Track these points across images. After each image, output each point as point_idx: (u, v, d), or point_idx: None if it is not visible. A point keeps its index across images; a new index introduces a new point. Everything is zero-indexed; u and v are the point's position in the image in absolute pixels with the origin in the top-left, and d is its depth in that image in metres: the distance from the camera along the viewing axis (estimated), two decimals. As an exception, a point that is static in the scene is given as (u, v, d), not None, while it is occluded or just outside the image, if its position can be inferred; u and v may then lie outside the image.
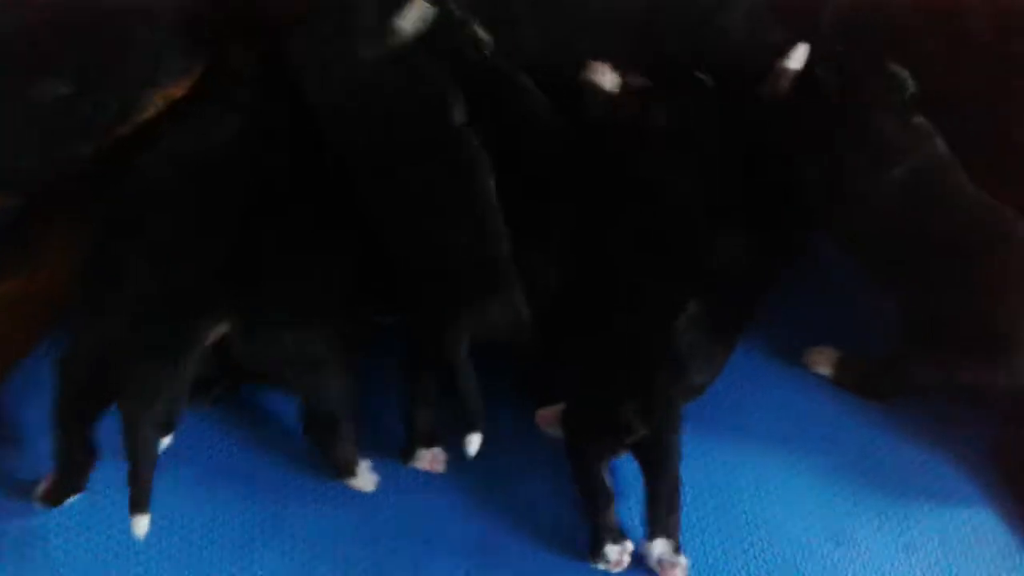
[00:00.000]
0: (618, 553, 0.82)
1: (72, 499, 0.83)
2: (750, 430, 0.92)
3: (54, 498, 0.83)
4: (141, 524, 0.79)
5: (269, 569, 0.83)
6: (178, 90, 0.88)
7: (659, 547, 0.82)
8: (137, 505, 0.79)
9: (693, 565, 0.84)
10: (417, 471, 0.87)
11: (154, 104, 0.86)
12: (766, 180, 0.96)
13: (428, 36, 0.94)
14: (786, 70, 0.97)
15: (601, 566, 0.83)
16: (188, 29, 0.88)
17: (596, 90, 0.98)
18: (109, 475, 0.82)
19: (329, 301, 0.87)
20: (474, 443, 0.83)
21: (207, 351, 0.84)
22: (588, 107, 0.99)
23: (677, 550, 0.83)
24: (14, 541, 0.83)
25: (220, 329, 0.84)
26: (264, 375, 0.86)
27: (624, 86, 0.99)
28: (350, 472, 0.85)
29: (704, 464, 0.90)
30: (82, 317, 0.84)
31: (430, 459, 0.87)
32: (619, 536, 0.83)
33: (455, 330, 0.84)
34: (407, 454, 0.87)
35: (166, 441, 0.84)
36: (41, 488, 0.83)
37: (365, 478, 0.86)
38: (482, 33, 0.96)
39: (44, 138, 0.83)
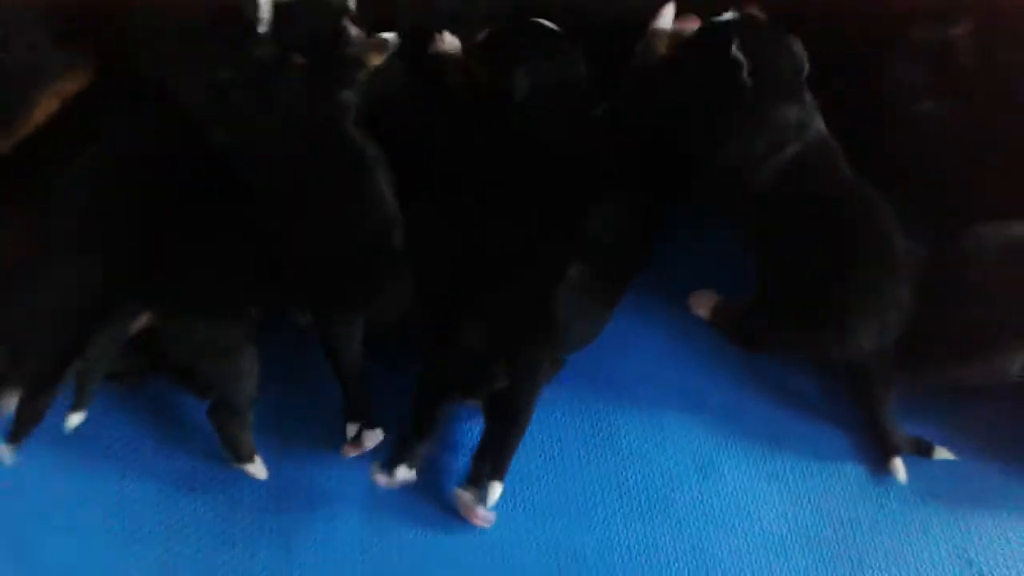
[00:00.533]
0: (402, 474, 0.89)
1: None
2: (626, 372, 0.98)
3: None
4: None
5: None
6: (72, 87, 0.93)
7: (496, 490, 0.88)
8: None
9: (573, 498, 0.92)
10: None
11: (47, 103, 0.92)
12: (640, 143, 0.99)
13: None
14: (658, 31, 0.99)
15: (381, 479, 0.89)
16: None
17: (447, 59, 1.02)
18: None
19: (239, 293, 0.93)
20: (351, 431, 0.91)
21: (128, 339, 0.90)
22: (446, 76, 1.02)
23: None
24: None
25: (143, 319, 0.90)
26: (178, 362, 0.92)
27: (469, 49, 1.01)
28: (248, 458, 0.91)
29: (583, 405, 0.96)
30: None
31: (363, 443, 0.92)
32: (411, 465, 0.90)
33: (346, 316, 0.91)
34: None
35: (77, 418, 0.89)
36: None
37: (259, 466, 0.91)
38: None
39: None
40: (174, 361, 0.91)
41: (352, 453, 0.91)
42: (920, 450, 0.93)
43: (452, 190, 0.97)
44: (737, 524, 0.92)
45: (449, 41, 1.02)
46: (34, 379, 0.88)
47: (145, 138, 0.96)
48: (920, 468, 0.93)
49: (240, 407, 0.90)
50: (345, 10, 0.99)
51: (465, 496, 0.88)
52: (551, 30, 1.00)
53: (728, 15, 0.97)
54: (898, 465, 0.93)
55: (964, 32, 1.01)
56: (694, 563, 0.90)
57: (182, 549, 0.89)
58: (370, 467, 0.90)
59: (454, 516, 0.90)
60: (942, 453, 0.93)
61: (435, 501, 0.91)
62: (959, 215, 0.96)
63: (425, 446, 0.91)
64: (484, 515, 0.89)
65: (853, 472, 0.94)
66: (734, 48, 0.94)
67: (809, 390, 0.98)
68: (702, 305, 0.99)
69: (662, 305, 1.01)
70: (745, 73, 0.94)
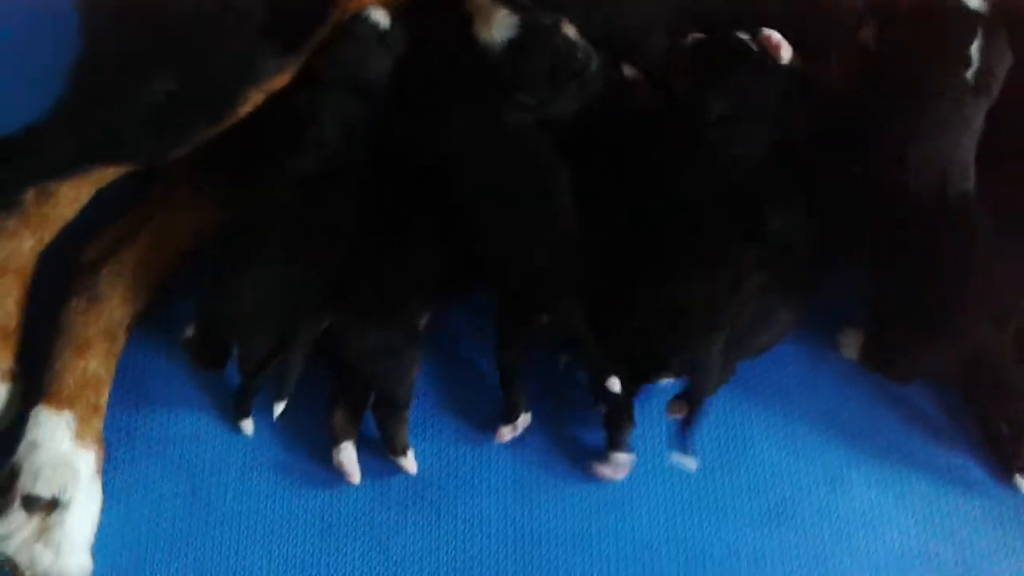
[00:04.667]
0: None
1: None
2: (763, 386, 1.03)
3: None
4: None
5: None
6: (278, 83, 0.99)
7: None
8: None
9: (704, 500, 0.98)
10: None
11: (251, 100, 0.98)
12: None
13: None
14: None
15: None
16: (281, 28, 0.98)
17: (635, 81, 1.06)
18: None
19: (416, 303, 0.99)
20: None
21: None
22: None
23: None
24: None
25: (325, 323, 0.97)
26: (346, 360, 0.98)
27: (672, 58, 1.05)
28: (403, 452, 0.97)
29: (720, 415, 1.01)
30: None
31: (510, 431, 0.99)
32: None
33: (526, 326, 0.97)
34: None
35: (280, 406, 0.97)
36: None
37: (411, 460, 0.98)
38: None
39: (159, 122, 0.97)
40: (342, 359, 0.98)
41: (507, 437, 0.98)
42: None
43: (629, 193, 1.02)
44: (862, 538, 0.96)
45: (631, 70, 1.06)
46: (248, 367, 0.97)
47: (356, 139, 1.02)
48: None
49: (400, 403, 0.97)
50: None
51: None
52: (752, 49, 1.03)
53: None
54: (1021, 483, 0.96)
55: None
56: (818, 572, 0.95)
57: (338, 522, 0.98)
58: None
59: (597, 503, 0.97)
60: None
61: (578, 490, 0.98)
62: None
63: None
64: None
65: (980, 499, 0.98)
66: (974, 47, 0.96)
67: (943, 416, 1.01)
68: (850, 346, 1.02)
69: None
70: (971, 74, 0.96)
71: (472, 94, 1.01)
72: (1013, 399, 0.96)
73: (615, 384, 0.94)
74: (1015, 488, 0.97)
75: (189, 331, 1.01)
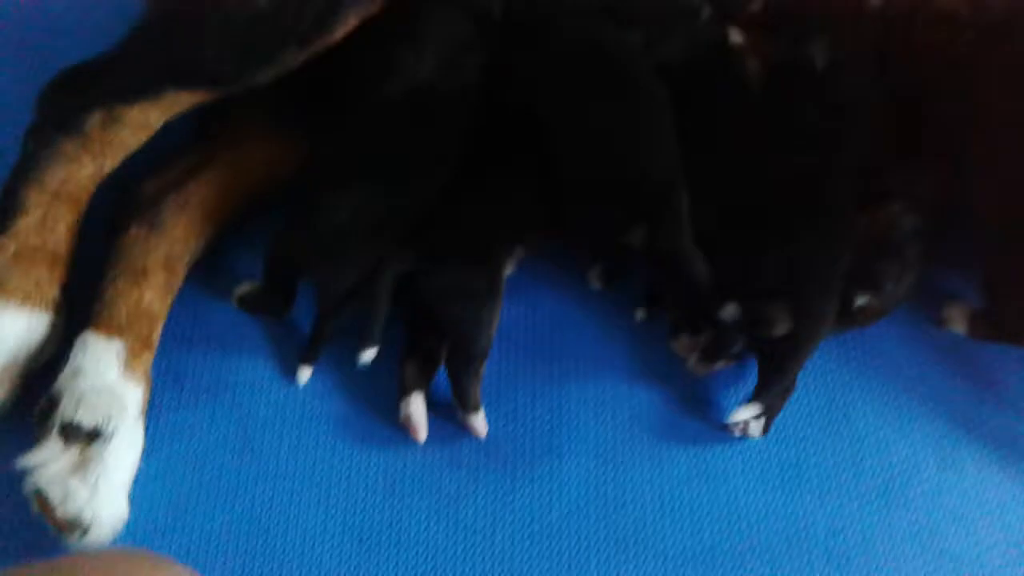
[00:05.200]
0: None
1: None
2: (867, 356, 0.96)
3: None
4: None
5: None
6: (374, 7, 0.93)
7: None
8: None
9: (806, 473, 0.90)
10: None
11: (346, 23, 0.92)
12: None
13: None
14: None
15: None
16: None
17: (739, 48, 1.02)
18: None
19: (497, 245, 0.93)
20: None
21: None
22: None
23: None
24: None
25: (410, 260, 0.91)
26: (424, 302, 0.91)
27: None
28: (475, 408, 0.89)
29: (820, 382, 0.94)
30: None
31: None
32: None
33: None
34: None
35: (370, 353, 0.90)
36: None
37: (482, 419, 0.89)
38: None
39: (246, 43, 0.90)
40: (418, 302, 0.91)
41: None
42: None
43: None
44: (977, 520, 0.88)
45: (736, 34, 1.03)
46: (327, 305, 0.90)
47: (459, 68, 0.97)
48: None
49: (476, 353, 0.89)
50: None
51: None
52: None
53: None
54: None
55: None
56: (930, 551, 0.87)
57: (402, 482, 0.89)
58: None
59: (689, 470, 0.89)
60: None
61: (667, 455, 0.90)
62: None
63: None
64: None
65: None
66: None
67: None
68: (957, 319, 0.96)
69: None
70: None
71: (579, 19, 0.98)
72: None
73: (731, 311, 0.87)
74: None
75: (244, 287, 0.95)
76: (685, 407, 0.92)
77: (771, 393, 0.89)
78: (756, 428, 0.89)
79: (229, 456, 0.89)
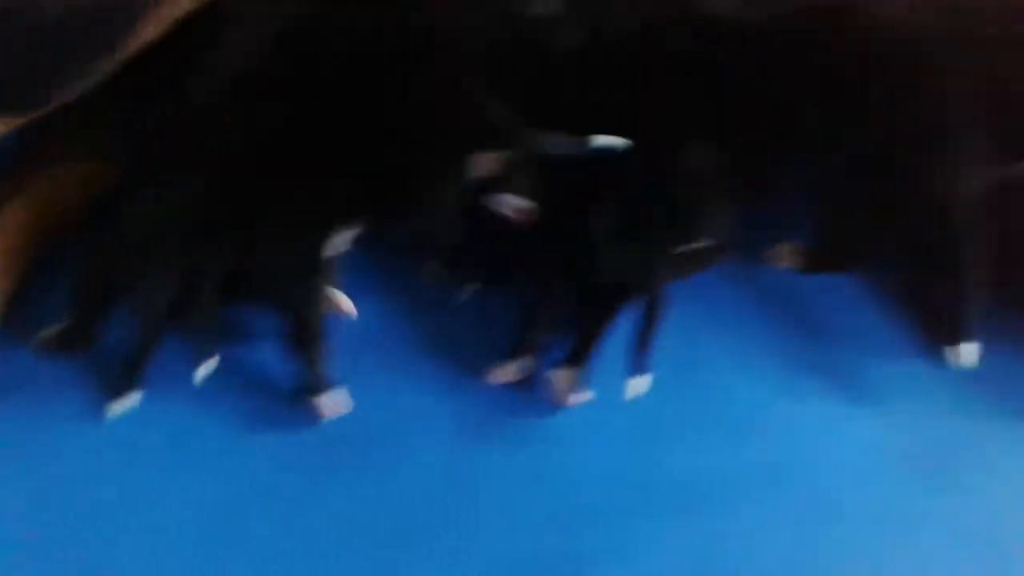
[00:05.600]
0: None
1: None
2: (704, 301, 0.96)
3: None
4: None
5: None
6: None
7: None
8: None
9: (657, 418, 0.90)
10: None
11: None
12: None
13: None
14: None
15: None
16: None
17: None
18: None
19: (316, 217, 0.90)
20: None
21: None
22: None
23: None
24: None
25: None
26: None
27: None
28: (324, 389, 0.87)
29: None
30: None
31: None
32: None
33: None
34: None
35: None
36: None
37: (333, 399, 0.88)
38: None
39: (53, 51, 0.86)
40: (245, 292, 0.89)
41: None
42: None
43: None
44: (822, 449, 0.88)
45: None
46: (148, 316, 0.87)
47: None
48: None
49: (309, 337, 0.87)
50: None
51: None
52: None
53: None
54: None
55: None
56: (782, 483, 0.87)
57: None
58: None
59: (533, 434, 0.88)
60: None
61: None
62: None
63: None
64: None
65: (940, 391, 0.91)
66: None
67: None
68: (786, 255, 0.95)
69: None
70: None
71: None
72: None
73: None
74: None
75: (48, 330, 0.89)
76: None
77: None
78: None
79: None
